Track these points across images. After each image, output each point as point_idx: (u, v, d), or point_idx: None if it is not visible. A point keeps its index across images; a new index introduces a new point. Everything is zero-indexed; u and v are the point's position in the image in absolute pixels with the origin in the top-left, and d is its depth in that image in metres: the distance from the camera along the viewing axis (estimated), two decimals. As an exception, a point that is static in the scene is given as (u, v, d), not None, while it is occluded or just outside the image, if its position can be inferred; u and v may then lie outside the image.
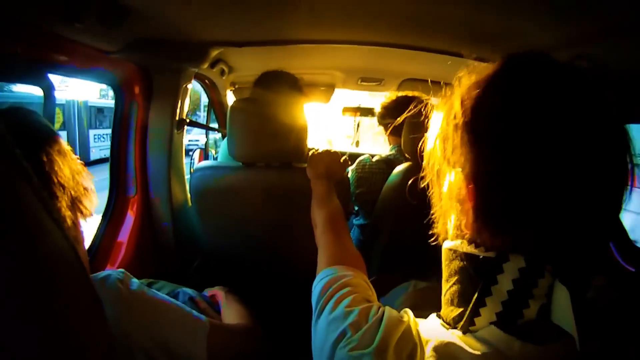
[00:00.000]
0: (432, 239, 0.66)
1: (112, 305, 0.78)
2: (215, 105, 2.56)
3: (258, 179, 1.47)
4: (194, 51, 1.54)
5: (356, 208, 2.16)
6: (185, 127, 1.74)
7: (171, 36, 1.41)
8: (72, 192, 0.74)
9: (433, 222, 0.66)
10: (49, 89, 1.19)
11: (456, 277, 0.56)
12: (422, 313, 0.63)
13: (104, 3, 1.06)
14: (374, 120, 2.79)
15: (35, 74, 1.13)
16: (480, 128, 0.51)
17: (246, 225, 1.56)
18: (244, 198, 1.48)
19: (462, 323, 0.53)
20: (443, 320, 0.58)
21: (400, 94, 2.06)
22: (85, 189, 0.78)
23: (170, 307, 0.91)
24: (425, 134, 0.65)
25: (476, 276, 0.53)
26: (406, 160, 1.73)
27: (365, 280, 0.74)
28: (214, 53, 1.61)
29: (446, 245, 0.60)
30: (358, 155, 2.26)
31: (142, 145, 1.63)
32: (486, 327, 0.51)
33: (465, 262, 0.55)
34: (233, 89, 2.55)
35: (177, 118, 1.66)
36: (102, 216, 1.59)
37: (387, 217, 1.65)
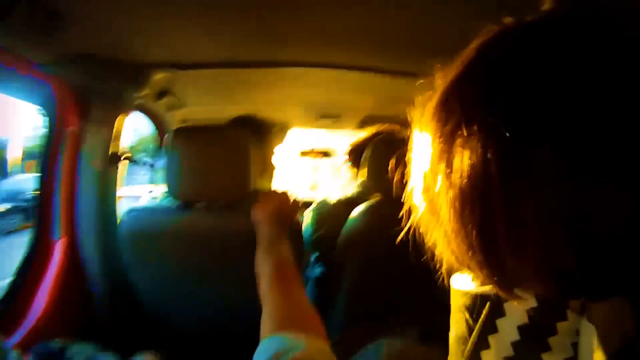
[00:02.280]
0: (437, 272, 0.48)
1: None
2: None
3: (196, 223, 1.31)
4: (133, 73, 1.39)
5: (312, 258, 1.98)
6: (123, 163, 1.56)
7: (108, 54, 1.27)
8: None
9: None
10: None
11: (454, 321, 0.42)
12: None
13: (32, 5, 0.92)
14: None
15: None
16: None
17: (184, 275, 1.37)
18: (180, 245, 1.31)
19: None
20: None
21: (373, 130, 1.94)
22: None
23: None
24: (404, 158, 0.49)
25: (472, 320, 0.39)
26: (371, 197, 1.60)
27: (324, 350, 0.58)
28: (157, 77, 1.46)
29: (452, 281, 0.45)
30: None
31: (71, 181, 1.42)
32: None
33: (461, 302, 0.41)
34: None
35: (110, 152, 1.48)
36: (21, 262, 1.35)
37: (349, 265, 1.49)
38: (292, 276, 0.87)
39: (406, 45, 1.30)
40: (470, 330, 0.39)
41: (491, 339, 0.37)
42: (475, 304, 0.39)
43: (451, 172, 0.35)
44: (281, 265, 0.90)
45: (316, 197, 1.93)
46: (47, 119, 1.36)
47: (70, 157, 1.41)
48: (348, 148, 1.97)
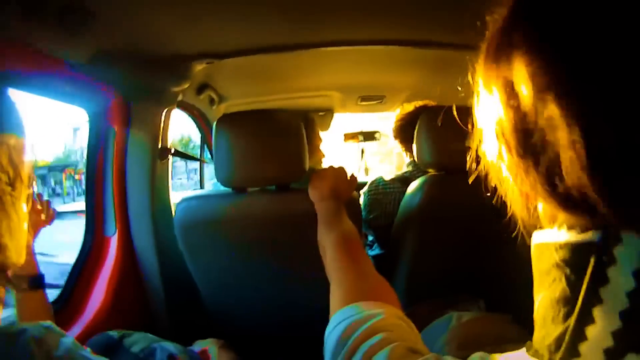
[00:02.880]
0: (511, 231, 0.45)
1: None
2: (208, 140, 2.38)
3: (251, 207, 1.28)
4: (174, 67, 1.38)
5: (370, 238, 1.94)
6: (171, 157, 1.56)
7: (146, 49, 1.26)
8: None
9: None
10: (9, 107, 1.00)
11: (548, 282, 0.36)
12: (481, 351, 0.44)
13: (63, 3, 0.91)
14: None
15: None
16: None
17: (242, 262, 1.35)
18: (236, 230, 1.29)
19: (559, 354, 0.33)
20: (535, 352, 0.37)
21: (419, 103, 1.87)
22: None
23: None
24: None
25: (574, 275, 0.33)
26: (423, 174, 1.53)
27: (402, 318, 0.53)
28: (197, 69, 1.45)
29: (535, 240, 0.39)
30: None
31: (120, 178, 1.44)
32: (598, 357, 0.31)
33: (557, 257, 0.35)
34: None
35: (159, 146, 1.48)
36: (76, 258, 1.38)
37: (408, 242, 1.43)
38: (358, 247, 0.83)
39: (452, 15, 1.23)
40: (573, 287, 0.33)
41: (603, 292, 0.31)
42: (578, 255, 0.33)
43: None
44: (346, 237, 0.86)
45: (367, 180, 1.88)
46: (91, 117, 1.38)
47: (118, 154, 1.42)
48: (395, 127, 1.90)
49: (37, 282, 0.90)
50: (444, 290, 1.35)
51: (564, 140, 0.32)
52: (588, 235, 0.32)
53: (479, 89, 0.42)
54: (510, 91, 0.36)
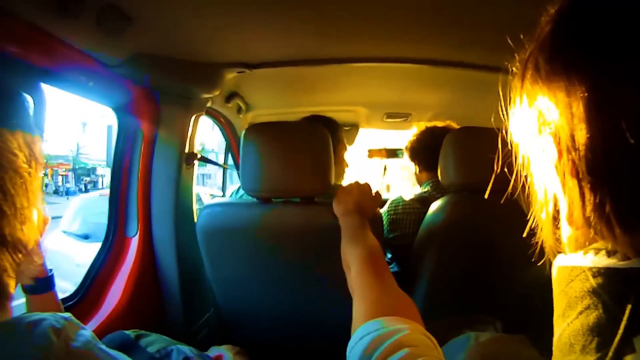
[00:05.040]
0: (535, 255, 0.44)
1: None
2: (233, 147, 2.41)
3: (275, 218, 1.28)
4: (205, 74, 1.41)
5: (389, 255, 1.93)
6: (197, 162, 1.58)
7: (180, 55, 1.29)
8: None
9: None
10: (40, 101, 1.03)
11: (580, 308, 0.34)
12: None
13: (102, 5, 0.94)
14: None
15: (25, 79, 0.96)
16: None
17: (262, 272, 1.35)
18: (258, 239, 1.29)
19: None
20: None
21: (430, 124, 1.87)
22: None
23: None
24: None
25: (614, 303, 0.32)
26: (442, 194, 1.51)
27: (426, 335, 0.53)
28: (228, 77, 1.48)
29: (560, 261, 0.38)
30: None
31: (146, 180, 1.46)
32: None
33: (594, 282, 0.34)
34: None
35: (186, 151, 1.50)
36: (96, 256, 1.40)
37: (428, 260, 1.42)
38: (382, 263, 0.82)
39: (481, 36, 1.23)
40: (611, 315, 0.32)
41: None
42: (619, 282, 0.32)
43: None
44: (371, 253, 0.85)
45: (389, 198, 1.87)
46: (120, 118, 1.41)
47: (144, 157, 1.44)
48: (409, 147, 1.89)
49: (47, 283, 0.90)
50: (461, 309, 1.33)
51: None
52: (631, 262, 0.32)
53: (532, 104, 0.40)
54: (605, 105, 0.33)
